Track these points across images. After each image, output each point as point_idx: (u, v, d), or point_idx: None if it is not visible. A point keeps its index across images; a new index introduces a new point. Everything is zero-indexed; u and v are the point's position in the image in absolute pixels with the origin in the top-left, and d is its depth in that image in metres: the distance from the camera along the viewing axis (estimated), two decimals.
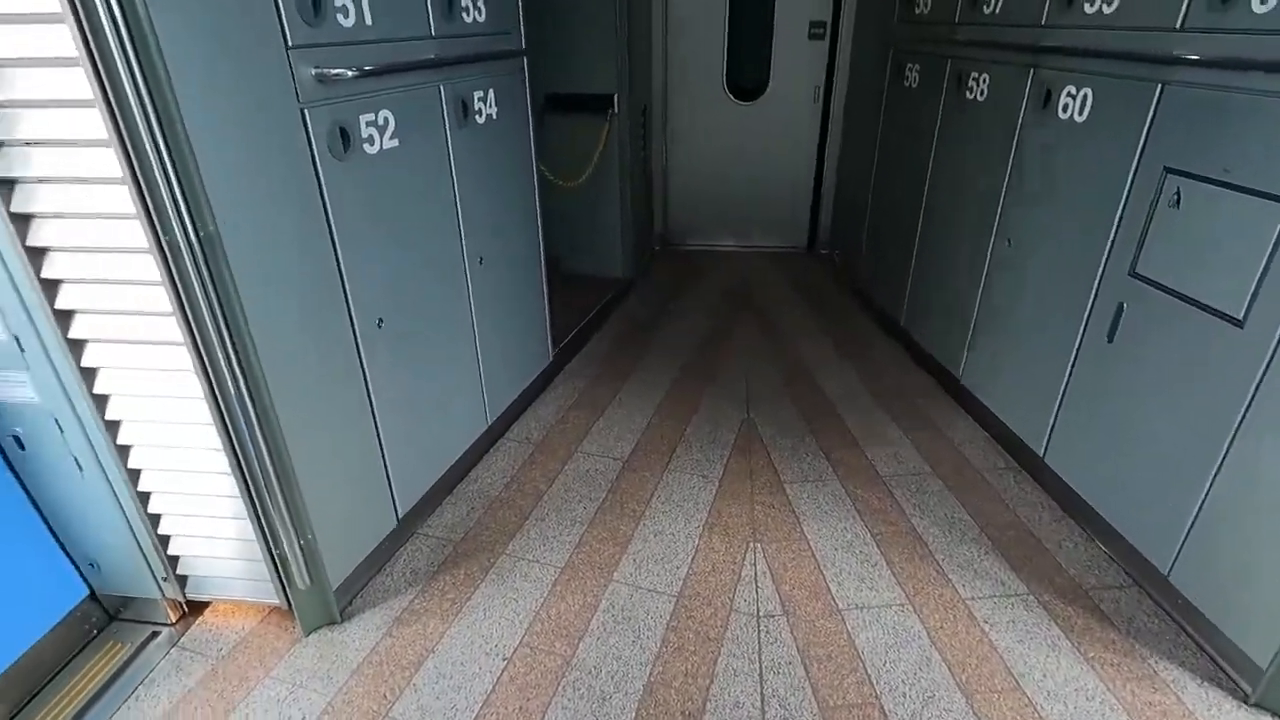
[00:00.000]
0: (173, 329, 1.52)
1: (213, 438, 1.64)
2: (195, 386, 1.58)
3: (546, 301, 3.10)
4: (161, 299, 1.48)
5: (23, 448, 1.69)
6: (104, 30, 1.22)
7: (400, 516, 2.19)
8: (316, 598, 1.89)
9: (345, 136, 1.77)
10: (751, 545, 2.20)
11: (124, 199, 1.38)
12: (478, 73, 2.33)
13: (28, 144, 1.37)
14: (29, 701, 1.73)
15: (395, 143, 1.96)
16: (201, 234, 1.42)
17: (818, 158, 4.80)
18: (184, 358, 1.55)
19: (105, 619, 1.94)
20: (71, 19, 1.21)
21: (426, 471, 2.34)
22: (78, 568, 1.87)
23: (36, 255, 1.46)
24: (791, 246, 5.14)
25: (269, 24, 1.52)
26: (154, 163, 1.33)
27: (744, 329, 3.81)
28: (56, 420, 1.64)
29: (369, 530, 2.08)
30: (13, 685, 1.71)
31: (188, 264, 1.42)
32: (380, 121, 1.89)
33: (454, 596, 2.03)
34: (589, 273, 4.27)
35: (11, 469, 1.71)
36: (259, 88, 1.51)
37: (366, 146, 1.85)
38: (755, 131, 4.78)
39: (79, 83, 1.29)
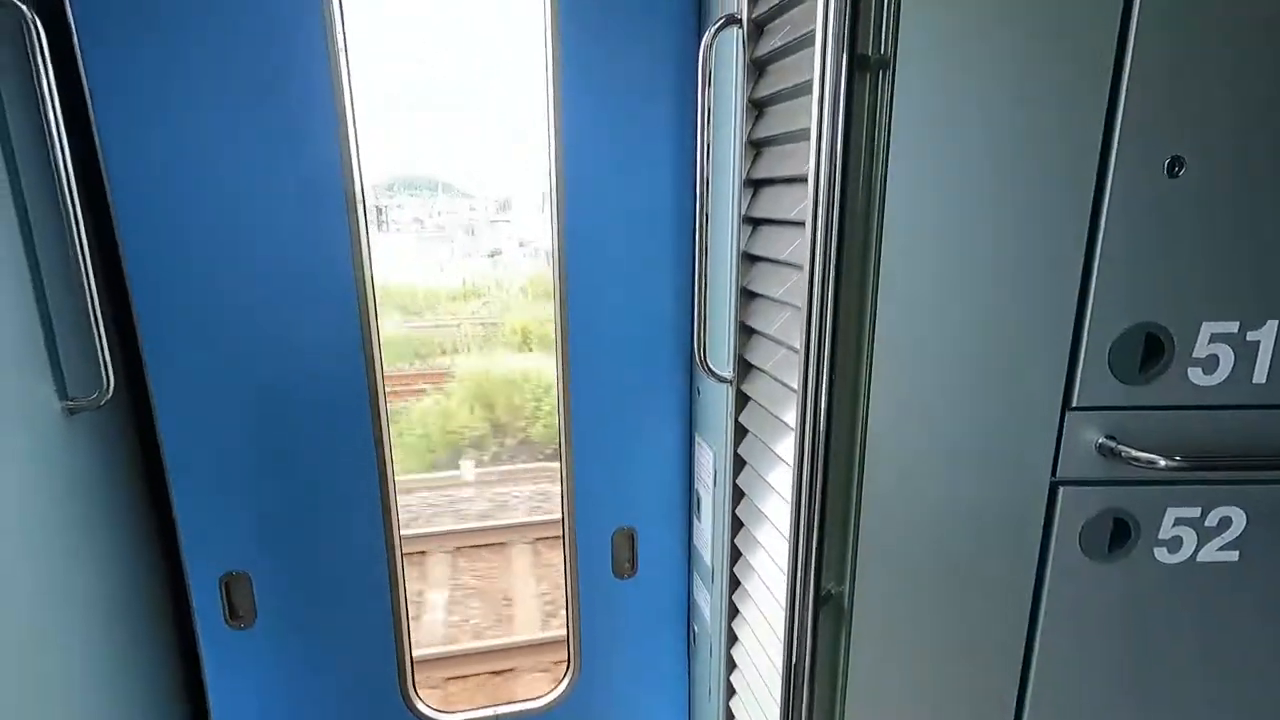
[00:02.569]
0: (777, 651, 1.35)
1: None
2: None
3: None
4: (779, 620, 1.33)
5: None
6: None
7: None
8: None
9: (1123, 532, 1.15)
10: None
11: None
12: None
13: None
14: None
15: (1231, 555, 1.16)
16: (832, 590, 1.18)
17: None
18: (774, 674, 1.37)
19: None
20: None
21: None
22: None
23: (737, 524, 1.55)
24: None
25: (1049, 383, 1.09)
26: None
27: None
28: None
29: None
30: None
31: (808, 622, 1.20)
32: (1211, 522, 1.15)
33: None
34: None
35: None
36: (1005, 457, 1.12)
37: (1161, 552, 1.16)
38: None
39: None
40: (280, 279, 1.53)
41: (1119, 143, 0.99)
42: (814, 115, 1.00)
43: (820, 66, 0.98)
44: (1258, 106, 0.99)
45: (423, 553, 4.57)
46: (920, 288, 1.05)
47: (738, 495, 1.54)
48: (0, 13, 1.21)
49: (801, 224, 1.23)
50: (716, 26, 1.36)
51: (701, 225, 1.44)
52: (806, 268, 1.10)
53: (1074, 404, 1.09)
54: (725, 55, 1.41)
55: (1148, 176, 1.01)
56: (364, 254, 1.58)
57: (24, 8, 1.20)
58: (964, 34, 0.96)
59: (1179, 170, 1.01)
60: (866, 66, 0.99)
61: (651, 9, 1.53)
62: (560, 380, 1.72)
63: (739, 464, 1.52)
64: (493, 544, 4.73)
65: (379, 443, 1.69)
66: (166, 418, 1.56)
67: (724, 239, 1.47)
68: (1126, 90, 0.98)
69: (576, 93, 1.54)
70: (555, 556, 4.69)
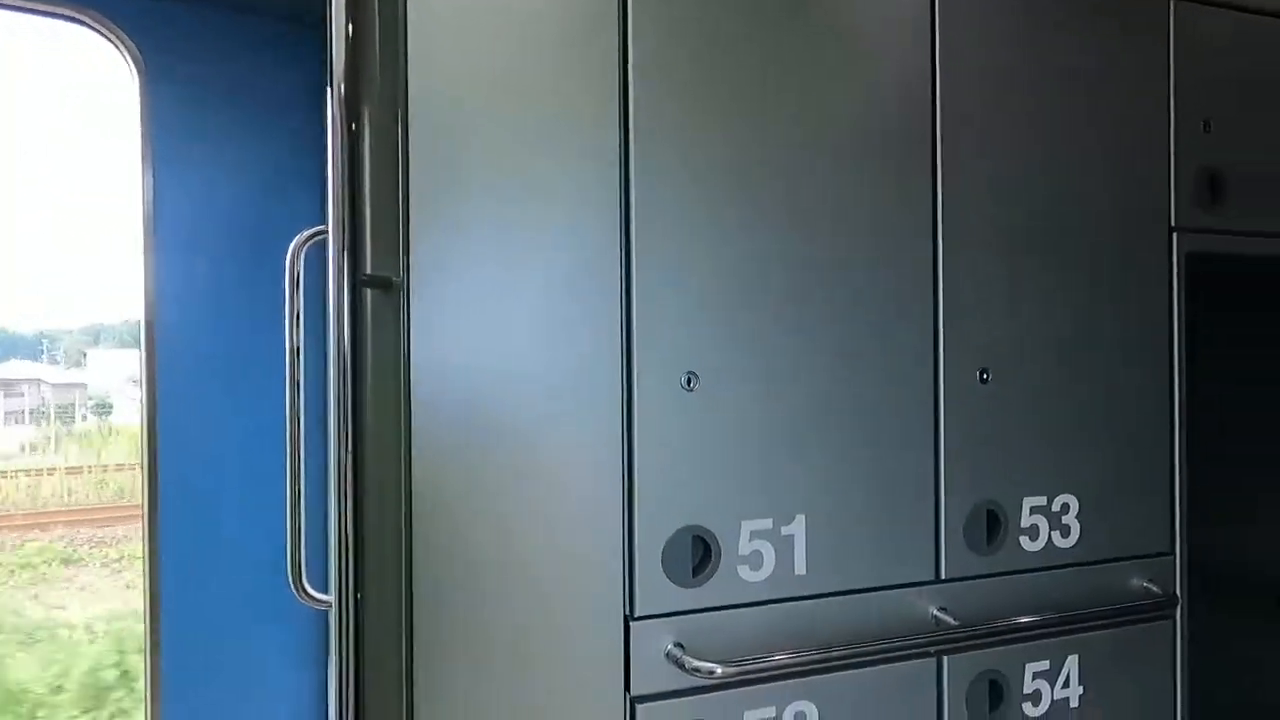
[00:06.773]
0: None
1: None
2: None
3: None
4: None
5: None
6: None
7: None
8: None
9: None
10: None
11: None
12: (1048, 632, 1.29)
13: None
14: None
15: None
16: None
17: None
18: None
19: None
20: None
21: None
22: None
23: None
24: None
25: (608, 594, 1.06)
26: None
27: None
28: None
29: None
30: None
31: None
32: (789, 718, 1.14)
33: None
34: None
35: None
36: None
37: None
38: None
39: None
40: None
41: (637, 362, 1.07)
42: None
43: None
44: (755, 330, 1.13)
45: None
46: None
47: None
48: None
49: None
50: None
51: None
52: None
53: (636, 614, 1.07)
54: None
55: (669, 391, 1.09)
56: None
57: None
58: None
59: (693, 385, 1.10)
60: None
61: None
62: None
63: None
64: None
65: None
66: None
67: None
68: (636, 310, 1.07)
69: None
70: None
